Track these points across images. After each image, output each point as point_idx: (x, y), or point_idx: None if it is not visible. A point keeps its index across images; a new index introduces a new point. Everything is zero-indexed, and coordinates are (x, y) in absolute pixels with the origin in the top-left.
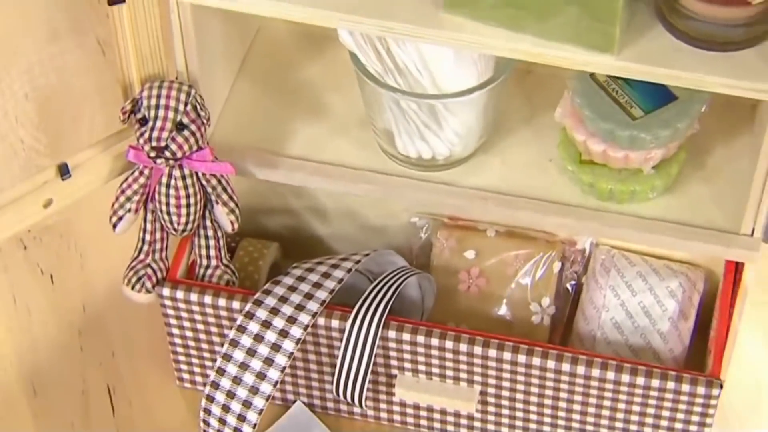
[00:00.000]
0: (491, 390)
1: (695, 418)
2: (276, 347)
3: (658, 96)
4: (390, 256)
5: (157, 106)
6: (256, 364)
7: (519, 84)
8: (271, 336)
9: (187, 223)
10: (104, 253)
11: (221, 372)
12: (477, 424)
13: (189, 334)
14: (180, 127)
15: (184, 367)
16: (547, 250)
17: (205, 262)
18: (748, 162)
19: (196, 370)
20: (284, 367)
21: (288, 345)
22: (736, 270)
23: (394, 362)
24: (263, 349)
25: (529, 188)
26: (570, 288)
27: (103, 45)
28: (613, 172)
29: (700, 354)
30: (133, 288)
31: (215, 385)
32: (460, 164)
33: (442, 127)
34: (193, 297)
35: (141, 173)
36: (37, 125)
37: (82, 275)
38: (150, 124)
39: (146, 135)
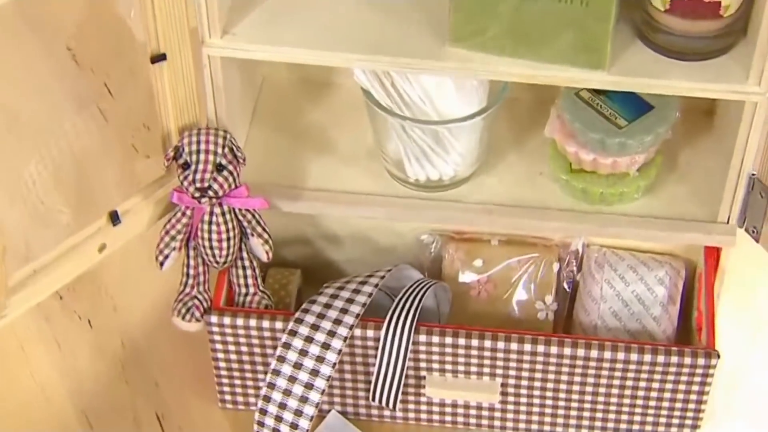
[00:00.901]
0: (511, 381)
1: (695, 388)
2: (320, 359)
3: (637, 107)
4: (407, 271)
5: (198, 151)
6: (303, 376)
7: (507, 111)
8: (314, 349)
9: (227, 255)
10: (133, 294)
11: (272, 386)
12: (497, 414)
13: (233, 357)
14: (219, 168)
15: (227, 389)
16: (546, 254)
17: (243, 290)
18: (714, 160)
19: (238, 391)
20: (329, 376)
21: (330, 356)
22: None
23: (423, 364)
24: (308, 362)
25: (527, 199)
26: (567, 286)
27: (104, 113)
28: (601, 177)
29: (685, 333)
30: (183, 318)
31: (267, 399)
32: (463, 184)
33: (447, 150)
34: (240, 321)
35: (183, 214)
36: (58, 190)
37: (117, 316)
38: (193, 167)
39: (190, 177)
